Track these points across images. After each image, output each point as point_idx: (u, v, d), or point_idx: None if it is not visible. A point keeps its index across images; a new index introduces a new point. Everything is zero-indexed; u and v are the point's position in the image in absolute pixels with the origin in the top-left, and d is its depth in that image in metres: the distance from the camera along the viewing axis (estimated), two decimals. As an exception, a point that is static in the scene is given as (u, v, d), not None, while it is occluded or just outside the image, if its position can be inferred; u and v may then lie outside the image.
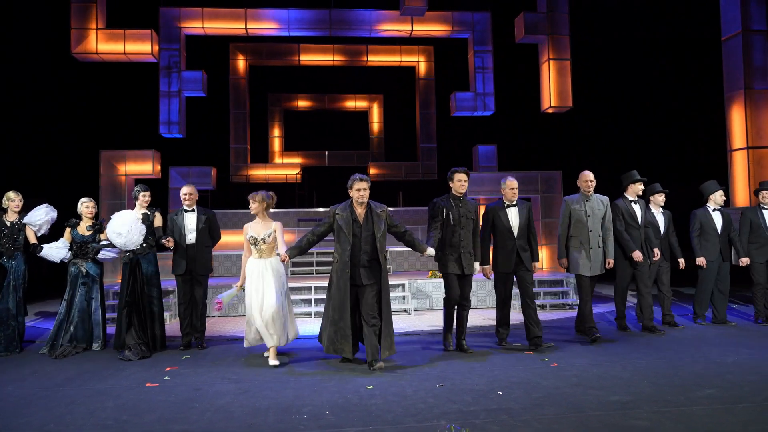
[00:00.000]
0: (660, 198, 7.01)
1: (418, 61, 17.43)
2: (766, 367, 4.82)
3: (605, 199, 6.25)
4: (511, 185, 5.99)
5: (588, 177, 6.22)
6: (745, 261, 7.04)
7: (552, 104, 12.45)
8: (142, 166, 11.30)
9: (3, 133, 11.79)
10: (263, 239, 5.45)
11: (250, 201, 5.59)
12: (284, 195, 15.91)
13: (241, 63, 16.91)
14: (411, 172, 17.19)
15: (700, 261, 7.03)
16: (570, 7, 12.58)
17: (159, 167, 11.56)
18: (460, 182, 5.75)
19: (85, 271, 6.18)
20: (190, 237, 6.15)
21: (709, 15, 11.07)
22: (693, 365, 5.01)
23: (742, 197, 9.93)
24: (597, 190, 6.27)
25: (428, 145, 17.20)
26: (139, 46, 12.02)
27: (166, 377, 4.91)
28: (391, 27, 13.63)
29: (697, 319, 7.16)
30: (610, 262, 6.25)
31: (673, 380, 4.48)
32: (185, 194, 6.17)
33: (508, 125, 14.59)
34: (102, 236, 6.23)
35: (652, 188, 7.03)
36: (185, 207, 6.19)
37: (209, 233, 6.26)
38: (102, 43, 11.81)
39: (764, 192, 7.13)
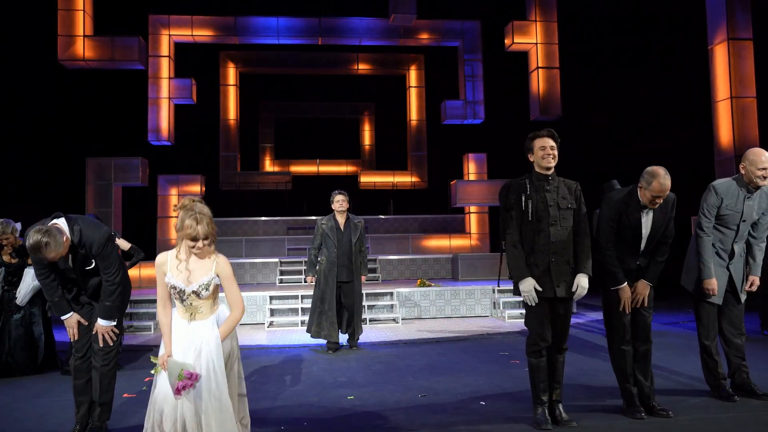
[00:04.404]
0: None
1: (408, 70, 17.43)
2: (756, 379, 4.75)
3: None
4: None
5: (764, 162, 3.97)
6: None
7: (541, 113, 12.43)
8: (129, 173, 11.30)
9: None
10: (195, 292, 2.92)
11: (192, 205, 2.93)
12: (274, 203, 15.84)
13: (231, 71, 16.82)
14: (401, 180, 17.15)
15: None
16: (559, 16, 12.61)
17: (147, 175, 11.58)
18: (543, 150, 3.65)
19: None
20: None
21: (696, 24, 11.12)
22: (679, 375, 4.96)
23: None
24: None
25: (419, 153, 17.16)
26: (127, 53, 11.93)
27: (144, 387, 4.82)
28: (381, 35, 13.63)
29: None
30: (754, 281, 4.27)
31: (658, 390, 4.41)
32: None
33: (498, 133, 14.56)
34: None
35: None
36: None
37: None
38: (89, 50, 11.72)
39: None
